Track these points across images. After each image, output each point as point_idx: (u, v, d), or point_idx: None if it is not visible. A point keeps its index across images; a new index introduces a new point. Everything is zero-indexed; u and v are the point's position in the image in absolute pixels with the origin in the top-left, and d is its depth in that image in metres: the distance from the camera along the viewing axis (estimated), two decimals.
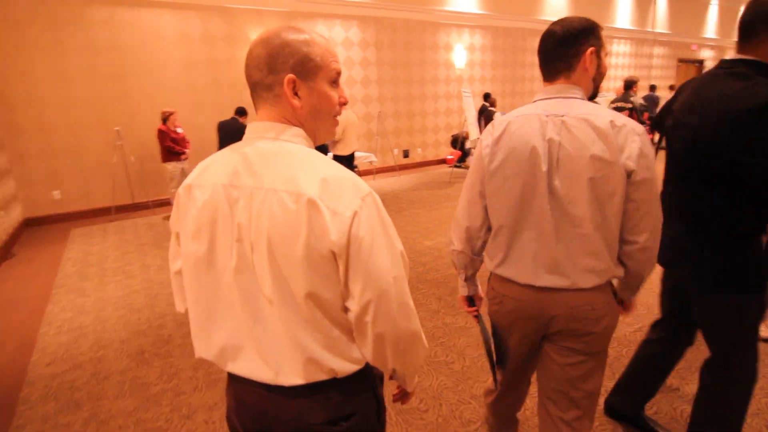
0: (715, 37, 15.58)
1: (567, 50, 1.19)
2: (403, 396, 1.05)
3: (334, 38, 7.90)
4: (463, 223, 1.37)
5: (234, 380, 0.91)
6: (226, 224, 0.81)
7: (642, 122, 5.33)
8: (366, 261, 0.76)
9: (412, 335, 0.84)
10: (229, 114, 6.26)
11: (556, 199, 1.17)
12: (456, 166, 9.47)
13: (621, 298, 1.35)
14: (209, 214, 0.83)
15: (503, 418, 1.56)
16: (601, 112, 1.14)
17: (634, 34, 13.02)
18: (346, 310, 0.80)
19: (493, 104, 7.96)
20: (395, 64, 8.75)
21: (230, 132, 5.44)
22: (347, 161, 6.16)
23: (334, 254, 0.75)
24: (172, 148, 5.85)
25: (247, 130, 0.87)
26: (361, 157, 6.97)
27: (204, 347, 0.89)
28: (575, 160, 1.13)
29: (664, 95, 10.69)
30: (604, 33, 1.24)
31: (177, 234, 0.93)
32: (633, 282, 1.29)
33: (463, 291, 1.49)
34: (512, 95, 10.79)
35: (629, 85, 5.58)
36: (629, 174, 1.11)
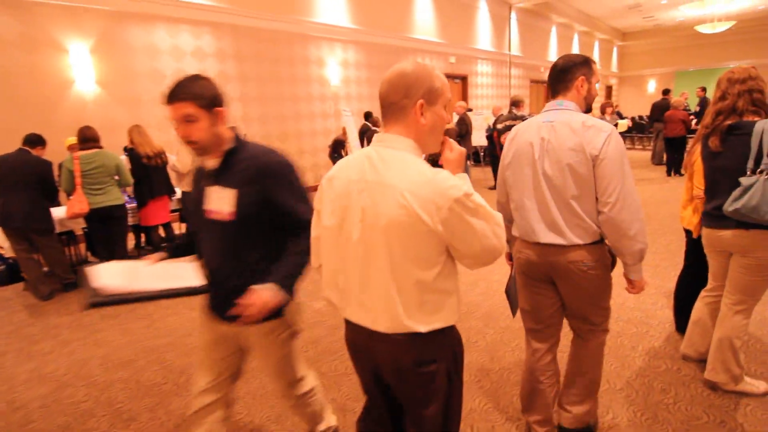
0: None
1: (564, 76, 1.68)
2: None
3: (181, 47, 6.49)
4: (497, 198, 1.91)
5: (347, 324, 1.24)
6: (354, 207, 1.10)
7: None
8: (461, 241, 1.06)
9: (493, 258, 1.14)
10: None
11: (547, 178, 1.63)
12: None
13: (626, 276, 1.71)
14: (342, 199, 1.13)
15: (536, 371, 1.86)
16: (578, 118, 1.59)
17: (494, 56, 13.77)
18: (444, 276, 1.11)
19: (376, 123, 7.30)
20: (262, 79, 7.59)
21: (12, 170, 3.74)
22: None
23: (433, 235, 1.04)
24: None
25: (375, 138, 1.15)
26: None
27: (330, 292, 1.22)
28: (558, 151, 1.59)
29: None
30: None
31: (318, 211, 1.22)
32: (623, 258, 1.65)
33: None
34: None
35: (515, 103, 5.34)
36: (594, 159, 1.53)
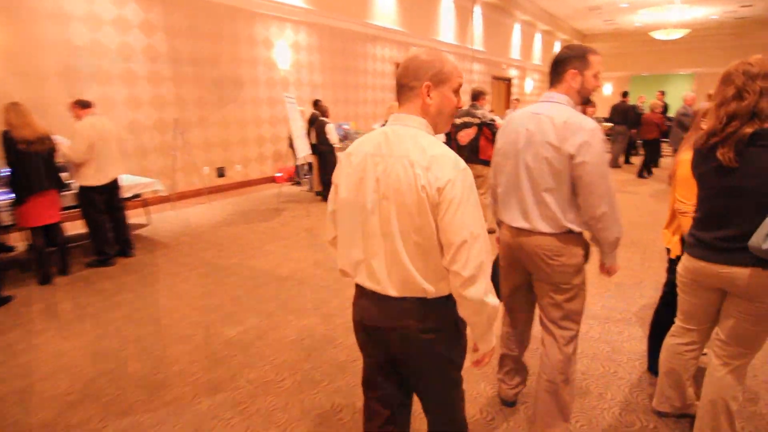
0: (519, 59, 17.33)
1: (557, 68, 1.72)
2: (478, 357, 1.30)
3: (99, 15, 5.57)
4: (490, 182, 1.97)
5: (358, 289, 1.30)
6: (369, 179, 1.18)
7: (494, 137, 4.62)
8: (456, 215, 1.10)
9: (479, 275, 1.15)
10: None
11: (528, 169, 1.69)
12: (296, 182, 8.02)
13: (602, 262, 1.84)
14: (358, 172, 1.20)
15: (516, 332, 2.06)
16: (563, 113, 1.63)
17: (457, 50, 13.36)
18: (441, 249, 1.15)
19: (324, 113, 6.64)
20: (198, 59, 6.75)
21: None
22: (107, 194, 4.05)
23: (433, 205, 1.11)
24: None
25: (391, 117, 1.23)
26: (137, 186, 4.77)
27: (345, 261, 1.28)
28: (538, 144, 1.65)
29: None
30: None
31: (336, 185, 1.29)
32: (600, 246, 1.76)
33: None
34: (345, 103, 9.72)
35: (476, 96, 4.84)
36: (570, 157, 1.58)
